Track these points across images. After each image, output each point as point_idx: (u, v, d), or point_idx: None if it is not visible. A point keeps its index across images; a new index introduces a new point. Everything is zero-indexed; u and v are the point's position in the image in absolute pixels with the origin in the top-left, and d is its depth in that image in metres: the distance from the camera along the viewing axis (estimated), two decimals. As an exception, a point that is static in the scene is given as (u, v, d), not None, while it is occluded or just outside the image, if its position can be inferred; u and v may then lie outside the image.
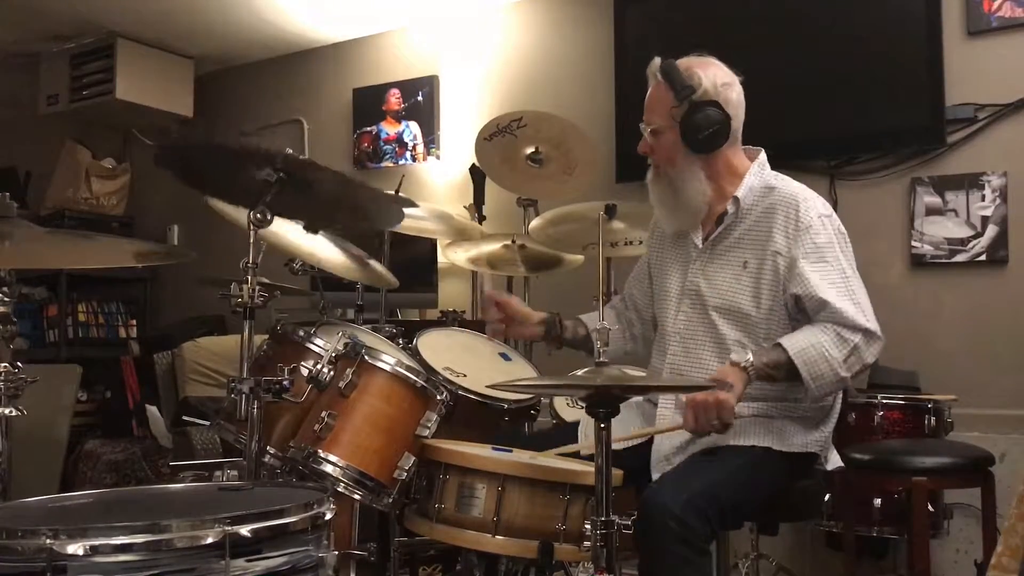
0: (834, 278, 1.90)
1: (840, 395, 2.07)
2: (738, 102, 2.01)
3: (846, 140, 3.32)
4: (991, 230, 3.07)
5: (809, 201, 1.97)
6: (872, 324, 1.88)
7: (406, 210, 2.77)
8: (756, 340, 1.94)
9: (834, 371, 1.84)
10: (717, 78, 1.98)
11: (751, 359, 1.83)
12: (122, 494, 1.74)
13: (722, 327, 1.97)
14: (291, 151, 1.74)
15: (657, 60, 2.00)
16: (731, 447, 1.89)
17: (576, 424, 2.14)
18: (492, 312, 2.21)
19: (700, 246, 2.05)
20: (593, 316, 2.23)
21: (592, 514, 1.51)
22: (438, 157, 4.38)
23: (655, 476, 1.92)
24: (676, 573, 1.69)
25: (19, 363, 1.82)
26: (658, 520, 1.68)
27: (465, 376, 2.22)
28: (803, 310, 1.93)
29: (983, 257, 3.08)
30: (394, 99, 4.50)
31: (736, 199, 1.99)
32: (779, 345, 1.86)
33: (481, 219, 3.78)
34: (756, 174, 2.02)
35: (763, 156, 2.06)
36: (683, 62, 1.99)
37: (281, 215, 1.89)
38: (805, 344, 1.84)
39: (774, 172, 2.05)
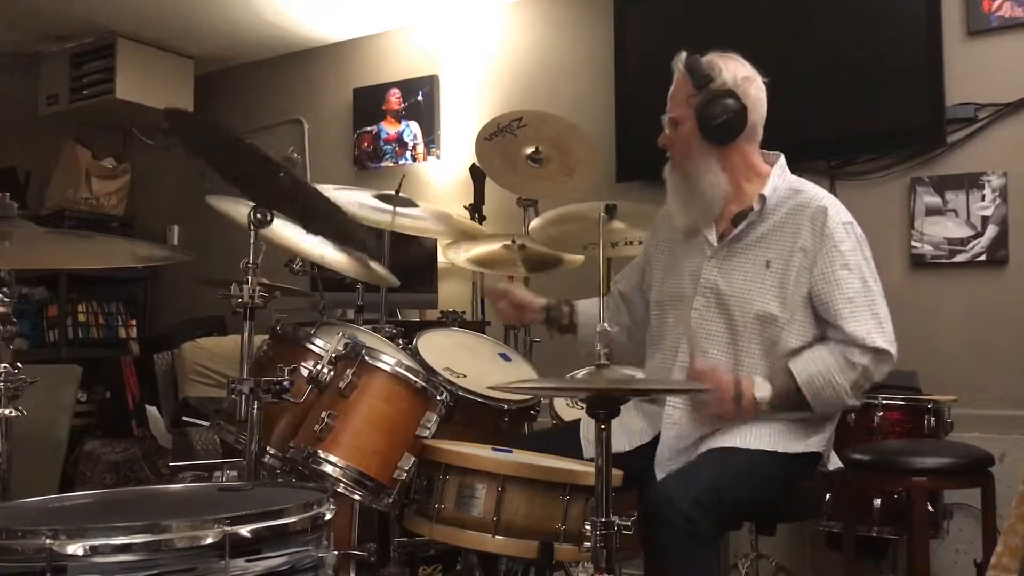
0: (855, 288, 1.89)
1: None
2: (757, 98, 2.01)
3: (846, 140, 3.31)
4: (991, 230, 3.07)
5: (836, 207, 1.97)
6: (883, 341, 1.87)
7: (406, 210, 2.78)
8: (778, 341, 1.93)
9: (840, 397, 1.88)
10: (738, 72, 1.99)
11: (767, 396, 1.88)
12: (122, 494, 1.74)
13: (741, 328, 1.96)
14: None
15: (683, 53, 2.02)
16: (736, 449, 1.90)
17: (576, 423, 2.15)
18: (499, 303, 2.30)
19: (715, 244, 2.03)
20: (587, 303, 2.28)
21: (592, 514, 1.52)
22: (438, 157, 4.38)
23: (660, 476, 1.93)
24: (683, 568, 1.71)
25: (19, 363, 1.82)
26: (666, 516, 1.70)
27: (465, 376, 2.22)
28: (818, 316, 1.93)
29: (983, 257, 3.08)
30: (394, 99, 4.50)
31: (763, 196, 1.98)
32: (789, 372, 1.89)
33: (481, 219, 3.78)
34: (779, 176, 2.02)
35: (783, 160, 2.06)
36: (707, 56, 2.01)
37: (277, 211, 1.89)
38: (814, 371, 1.88)
39: (796, 176, 2.05)
